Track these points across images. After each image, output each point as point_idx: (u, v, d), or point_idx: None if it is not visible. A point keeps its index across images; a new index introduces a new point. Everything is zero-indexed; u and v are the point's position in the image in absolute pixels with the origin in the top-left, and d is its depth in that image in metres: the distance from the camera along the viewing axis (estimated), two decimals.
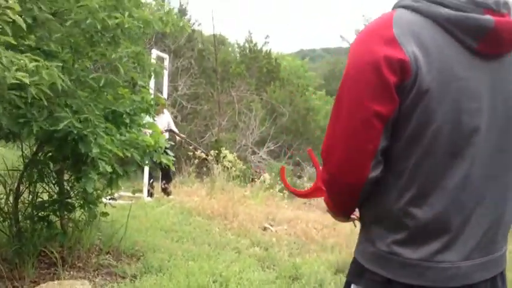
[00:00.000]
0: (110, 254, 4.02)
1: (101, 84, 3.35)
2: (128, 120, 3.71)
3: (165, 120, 8.14)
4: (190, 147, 9.22)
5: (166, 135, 7.84)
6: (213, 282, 3.70)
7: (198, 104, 16.03)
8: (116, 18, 3.17)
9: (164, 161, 3.96)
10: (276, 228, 6.08)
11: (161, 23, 3.64)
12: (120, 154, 3.42)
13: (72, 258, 3.76)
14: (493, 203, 1.20)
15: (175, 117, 14.60)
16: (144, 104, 3.90)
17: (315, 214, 7.44)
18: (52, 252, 3.58)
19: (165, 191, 7.95)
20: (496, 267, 1.25)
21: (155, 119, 4.90)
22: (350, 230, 5.46)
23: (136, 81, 3.91)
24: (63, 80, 2.68)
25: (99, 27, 3.14)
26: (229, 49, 23.93)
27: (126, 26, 3.21)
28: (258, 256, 4.62)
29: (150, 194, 7.73)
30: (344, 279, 4.66)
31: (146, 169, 7.32)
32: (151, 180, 7.85)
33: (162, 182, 8.05)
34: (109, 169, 3.40)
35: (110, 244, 4.09)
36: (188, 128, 14.83)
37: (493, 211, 1.21)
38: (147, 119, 4.24)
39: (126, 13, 3.27)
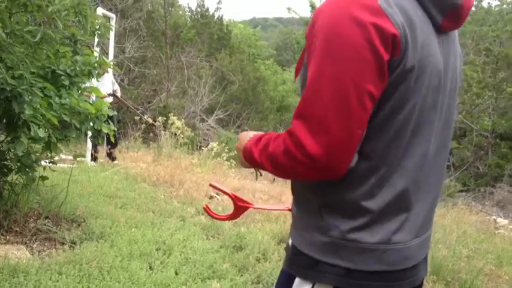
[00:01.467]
0: (49, 219, 3.87)
1: (37, 39, 3.12)
2: (67, 82, 3.51)
3: (109, 82, 7.72)
4: (137, 112, 8.99)
5: (110, 99, 7.49)
6: (156, 250, 3.64)
7: (146, 67, 15.64)
8: None
9: (105, 130, 3.80)
10: (222, 197, 6.06)
11: None
12: (55, 121, 3.21)
13: (9, 222, 3.60)
14: (436, 180, 1.20)
15: (122, 80, 14.18)
16: (86, 67, 3.69)
17: (261, 184, 7.47)
18: None
19: (110, 156, 7.74)
20: (429, 245, 1.25)
21: (99, 79, 4.67)
22: None
23: (77, 38, 3.68)
24: None
25: None
26: (180, 12, 23.31)
27: None
28: (202, 225, 4.59)
29: (94, 158, 7.50)
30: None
31: (90, 133, 7.05)
32: (96, 144, 7.60)
33: (107, 146, 7.82)
34: (41, 134, 3.19)
35: (49, 209, 3.93)
36: (135, 92, 14.49)
37: (435, 188, 1.20)
38: (93, 82, 4.04)
39: None
